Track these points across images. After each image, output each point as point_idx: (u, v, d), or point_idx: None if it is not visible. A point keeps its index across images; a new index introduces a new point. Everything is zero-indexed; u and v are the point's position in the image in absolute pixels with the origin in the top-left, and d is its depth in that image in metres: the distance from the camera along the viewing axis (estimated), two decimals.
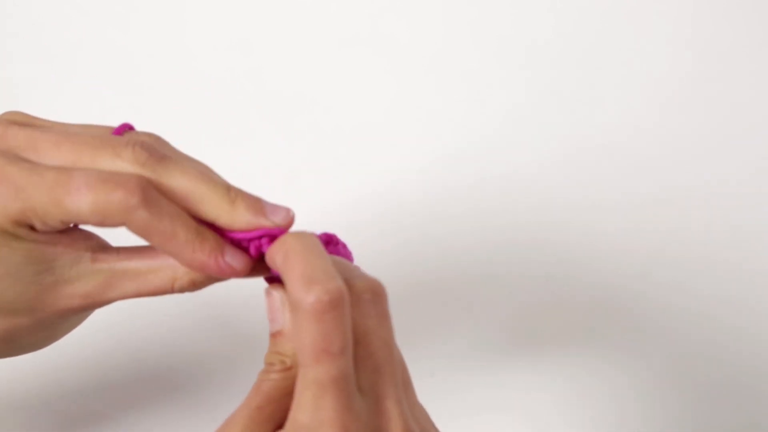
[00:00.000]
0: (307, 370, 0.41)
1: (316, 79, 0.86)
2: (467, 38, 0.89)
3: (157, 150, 0.46)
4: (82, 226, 0.48)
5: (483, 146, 0.82)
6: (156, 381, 0.66)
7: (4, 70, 0.85)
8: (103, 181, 0.44)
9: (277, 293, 0.45)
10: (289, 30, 0.88)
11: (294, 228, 0.46)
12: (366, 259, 0.51)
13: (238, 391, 0.46)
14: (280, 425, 0.43)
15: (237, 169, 0.53)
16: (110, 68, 0.85)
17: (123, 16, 0.88)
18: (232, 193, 0.46)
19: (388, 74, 0.87)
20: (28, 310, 0.46)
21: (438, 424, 0.46)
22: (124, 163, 0.45)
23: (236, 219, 0.46)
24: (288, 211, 0.46)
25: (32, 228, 0.46)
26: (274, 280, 0.46)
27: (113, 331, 0.67)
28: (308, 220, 0.51)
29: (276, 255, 0.44)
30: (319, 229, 0.48)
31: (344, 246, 0.49)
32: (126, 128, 0.48)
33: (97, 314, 0.51)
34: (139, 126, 0.49)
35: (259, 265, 0.46)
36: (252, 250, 0.46)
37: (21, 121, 0.48)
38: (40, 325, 0.47)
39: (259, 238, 0.46)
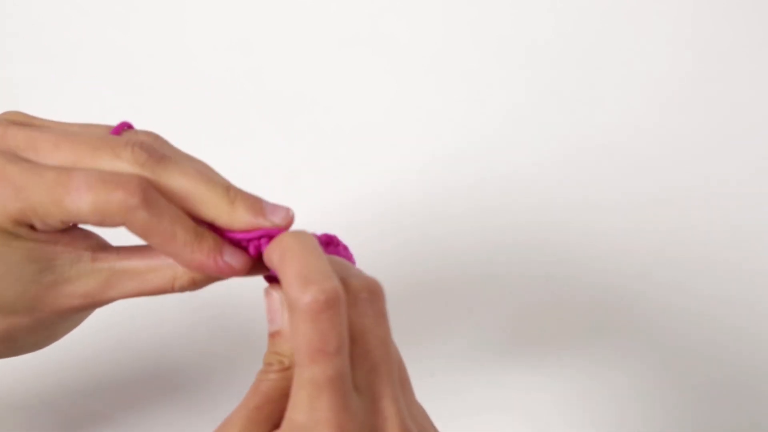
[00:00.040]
0: (303, 369, 0.41)
1: (316, 79, 0.86)
2: (467, 38, 0.89)
3: (156, 150, 0.46)
4: (81, 226, 0.48)
5: (483, 146, 0.82)
6: (156, 381, 0.66)
7: (4, 70, 0.85)
8: (104, 182, 0.44)
9: (276, 293, 0.45)
10: (289, 30, 0.88)
11: (293, 228, 0.46)
12: (366, 259, 0.51)
13: (238, 391, 0.46)
14: (278, 425, 0.43)
15: (237, 169, 0.53)
16: (110, 68, 0.85)
17: (123, 16, 0.88)
18: (231, 193, 0.46)
19: (388, 74, 0.87)
20: (27, 310, 0.46)
21: (438, 424, 0.46)
22: (123, 163, 0.45)
23: (235, 219, 0.46)
24: (288, 211, 0.46)
25: (32, 227, 0.46)
26: (273, 279, 0.46)
27: (113, 331, 0.67)
28: (308, 220, 0.51)
29: (273, 254, 0.44)
30: (319, 230, 0.48)
31: (345, 248, 0.49)
32: (125, 127, 0.48)
33: (98, 314, 0.51)
34: (139, 126, 0.49)
35: (258, 265, 0.46)
36: (251, 249, 0.46)
37: (20, 121, 0.48)
38: (39, 325, 0.47)
39: (259, 238, 0.46)
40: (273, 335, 0.45)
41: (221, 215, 0.46)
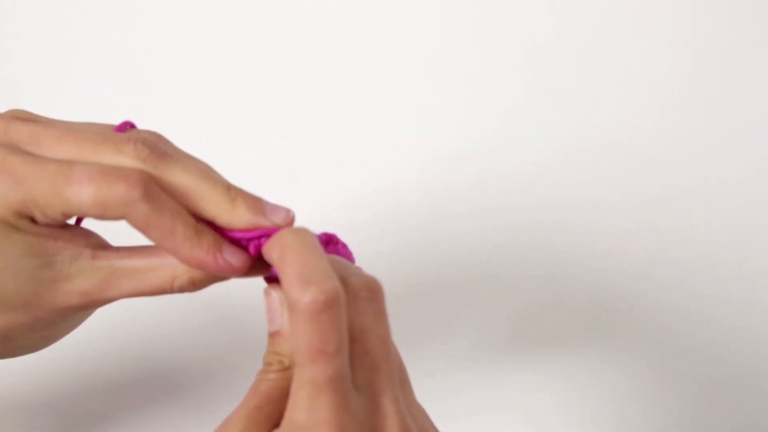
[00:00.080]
0: (303, 369, 0.41)
1: (316, 79, 0.86)
2: (467, 38, 0.89)
3: (158, 147, 0.46)
4: (82, 225, 0.48)
5: (483, 146, 0.82)
6: (156, 381, 0.66)
7: (4, 70, 0.85)
8: (105, 174, 0.44)
9: (276, 293, 0.45)
10: (289, 30, 0.88)
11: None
12: (366, 259, 0.51)
13: (238, 391, 0.46)
14: (279, 425, 0.43)
15: (237, 169, 0.53)
16: (110, 68, 0.85)
17: (123, 16, 0.88)
18: (232, 192, 0.46)
19: (388, 74, 0.87)
20: (25, 307, 0.46)
21: (438, 424, 0.46)
22: (125, 158, 0.46)
23: (236, 218, 0.46)
24: (288, 211, 0.46)
25: (33, 221, 0.46)
26: (273, 279, 0.46)
27: (114, 332, 0.67)
28: (308, 220, 0.51)
29: (273, 250, 0.44)
30: (319, 230, 0.48)
31: (344, 246, 0.49)
32: (127, 126, 0.48)
33: (98, 315, 0.51)
34: (139, 126, 0.49)
35: (258, 265, 0.46)
36: (251, 249, 0.46)
37: (24, 117, 0.48)
38: (37, 324, 0.47)
39: (258, 237, 0.46)
40: (272, 335, 0.45)
41: (221, 213, 0.46)
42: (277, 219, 0.46)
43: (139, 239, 0.47)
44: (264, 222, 0.46)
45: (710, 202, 0.79)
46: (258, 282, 0.47)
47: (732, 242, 0.77)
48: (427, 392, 0.49)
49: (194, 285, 0.47)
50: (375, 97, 0.85)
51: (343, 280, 0.43)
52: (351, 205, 0.77)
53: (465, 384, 0.67)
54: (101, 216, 0.45)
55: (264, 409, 0.43)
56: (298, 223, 0.46)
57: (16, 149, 0.46)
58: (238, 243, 0.46)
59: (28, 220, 0.46)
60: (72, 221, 0.48)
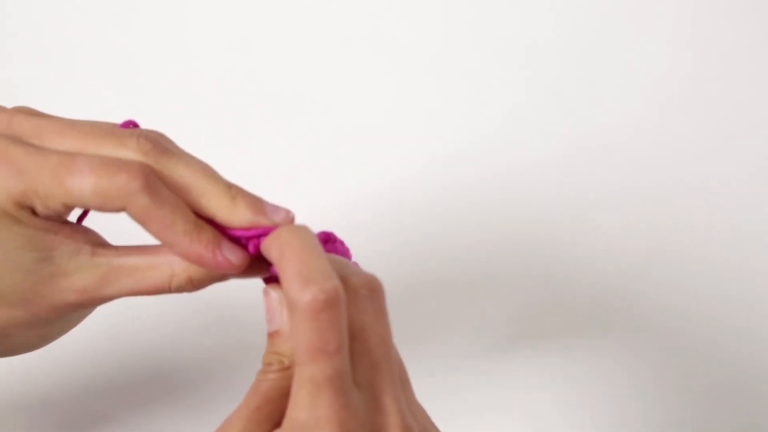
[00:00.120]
0: (303, 368, 0.41)
1: (316, 79, 0.86)
2: (467, 38, 0.89)
3: (161, 143, 0.46)
4: (82, 224, 0.48)
5: (483, 146, 0.82)
6: (156, 381, 0.66)
7: (4, 70, 0.85)
8: (107, 165, 0.44)
9: (275, 293, 0.45)
10: (289, 30, 0.88)
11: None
12: (366, 259, 0.51)
13: (238, 391, 0.46)
14: (279, 425, 0.43)
15: (237, 169, 0.53)
16: (110, 68, 0.85)
17: (123, 16, 0.88)
18: (233, 190, 0.46)
19: (388, 74, 0.87)
20: (23, 302, 0.46)
21: (438, 424, 0.46)
22: (128, 151, 0.46)
23: (236, 215, 0.46)
24: (288, 212, 0.46)
25: (34, 213, 0.46)
26: (272, 281, 0.46)
27: (114, 331, 0.67)
28: (308, 220, 0.51)
29: (272, 248, 0.44)
30: (319, 229, 0.48)
31: (342, 243, 0.49)
32: (131, 125, 0.48)
33: (99, 314, 0.51)
34: (140, 126, 0.49)
35: (257, 265, 0.46)
36: (250, 248, 0.46)
37: (28, 112, 0.48)
38: (34, 321, 0.47)
39: (258, 236, 0.46)
40: (272, 335, 0.45)
41: (222, 210, 0.46)
42: (278, 219, 0.46)
43: (138, 240, 0.47)
44: (264, 221, 0.46)
45: (710, 202, 0.79)
46: (257, 282, 0.47)
47: (732, 242, 0.77)
48: (427, 392, 0.49)
49: (192, 284, 0.47)
50: (375, 97, 0.85)
51: (344, 279, 0.43)
52: (351, 205, 0.77)
53: (465, 384, 0.67)
54: (102, 207, 0.45)
55: (264, 409, 0.43)
56: (299, 222, 0.46)
57: (18, 141, 0.46)
58: (238, 241, 0.46)
59: (28, 212, 0.46)
60: (73, 220, 0.49)
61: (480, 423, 0.65)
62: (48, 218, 0.46)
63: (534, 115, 0.84)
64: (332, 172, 0.80)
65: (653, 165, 0.82)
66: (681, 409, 0.67)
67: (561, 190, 0.80)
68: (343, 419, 0.41)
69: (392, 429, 0.43)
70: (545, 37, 0.89)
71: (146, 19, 0.88)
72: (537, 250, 0.75)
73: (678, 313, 0.72)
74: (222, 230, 0.46)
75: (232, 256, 0.46)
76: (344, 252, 0.48)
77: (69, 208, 0.46)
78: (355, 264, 0.46)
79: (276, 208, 0.46)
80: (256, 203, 0.46)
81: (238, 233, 0.46)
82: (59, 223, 0.47)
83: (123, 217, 0.46)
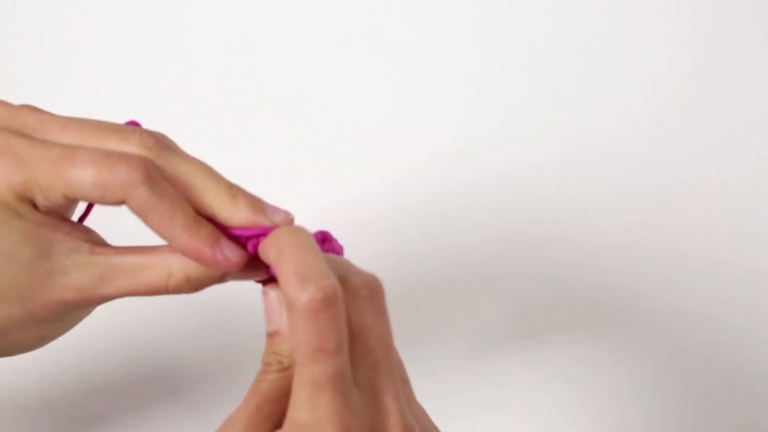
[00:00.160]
0: (303, 368, 0.41)
1: (316, 79, 0.86)
2: (467, 38, 0.89)
3: (163, 141, 0.47)
4: (83, 224, 0.48)
5: (483, 146, 0.82)
6: (156, 382, 0.66)
7: (4, 70, 0.85)
8: (108, 157, 0.45)
9: (273, 293, 0.45)
10: (289, 30, 0.88)
11: None
12: (366, 259, 0.51)
13: (238, 392, 0.46)
14: (279, 425, 0.43)
15: (237, 169, 0.53)
16: (110, 68, 0.85)
17: (123, 16, 0.88)
18: (234, 189, 0.46)
19: (388, 74, 0.87)
20: (20, 299, 0.46)
21: (438, 424, 0.46)
22: (130, 146, 0.46)
23: (236, 214, 0.46)
24: (287, 214, 0.46)
25: (34, 206, 0.46)
26: (270, 281, 0.46)
27: (114, 332, 0.67)
28: (308, 220, 0.51)
29: (269, 249, 0.44)
30: (319, 229, 0.48)
31: (335, 241, 0.49)
32: (133, 125, 0.48)
33: (99, 315, 0.51)
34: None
35: (255, 265, 0.46)
36: (249, 247, 0.46)
37: (32, 108, 0.48)
38: (31, 319, 0.47)
39: (257, 236, 0.46)
40: (271, 335, 0.45)
41: (222, 207, 0.46)
42: (277, 219, 0.46)
43: (139, 241, 0.47)
44: (264, 221, 0.46)
45: (710, 202, 0.79)
46: (256, 284, 0.47)
47: (732, 242, 0.77)
48: (427, 392, 0.49)
49: (190, 284, 0.47)
50: (375, 97, 0.85)
51: (344, 279, 0.43)
52: (351, 205, 0.77)
53: (465, 384, 0.67)
54: (102, 198, 0.45)
55: (264, 409, 0.43)
56: (297, 224, 0.46)
57: (22, 133, 0.46)
58: (237, 240, 0.46)
59: (29, 205, 0.46)
60: (74, 219, 0.49)
61: (480, 423, 0.65)
62: (48, 213, 0.46)
63: (534, 115, 0.85)
64: (332, 172, 0.80)
65: (653, 165, 0.82)
66: (681, 409, 0.67)
67: (561, 190, 0.80)
68: (343, 419, 0.41)
69: (393, 429, 0.43)
70: (545, 37, 0.89)
71: (146, 19, 0.88)
72: (537, 250, 0.75)
73: (678, 313, 0.72)
74: (221, 229, 0.46)
75: (231, 253, 0.46)
76: (339, 250, 0.48)
77: (70, 201, 0.46)
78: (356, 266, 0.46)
79: (276, 209, 0.46)
80: (257, 203, 0.46)
81: (238, 232, 0.46)
82: (59, 220, 0.47)
83: (123, 217, 0.46)
